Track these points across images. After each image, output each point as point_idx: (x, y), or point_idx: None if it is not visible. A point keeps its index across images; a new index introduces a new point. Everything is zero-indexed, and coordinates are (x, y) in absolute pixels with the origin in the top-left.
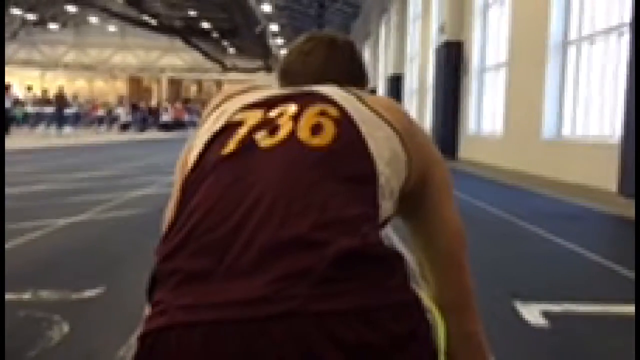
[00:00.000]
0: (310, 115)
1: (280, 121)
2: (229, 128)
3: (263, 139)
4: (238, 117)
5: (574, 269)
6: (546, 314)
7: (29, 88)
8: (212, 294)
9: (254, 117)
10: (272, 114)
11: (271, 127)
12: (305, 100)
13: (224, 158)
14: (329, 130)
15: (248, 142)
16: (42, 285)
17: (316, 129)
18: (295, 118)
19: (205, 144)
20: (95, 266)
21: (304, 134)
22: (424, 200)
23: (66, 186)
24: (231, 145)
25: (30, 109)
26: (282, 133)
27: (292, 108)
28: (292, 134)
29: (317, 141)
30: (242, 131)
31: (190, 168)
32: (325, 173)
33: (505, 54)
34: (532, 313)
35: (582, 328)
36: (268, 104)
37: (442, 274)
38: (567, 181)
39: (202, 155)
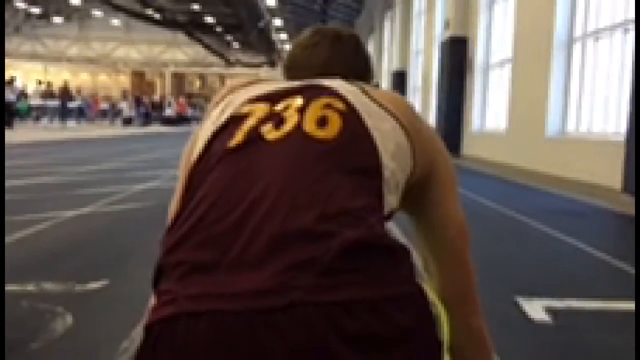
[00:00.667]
0: (316, 108)
1: (286, 114)
2: (235, 120)
3: (269, 132)
4: (244, 109)
5: (578, 266)
6: (549, 310)
7: (40, 82)
8: (219, 285)
9: (260, 110)
10: (278, 107)
11: (277, 120)
12: (310, 93)
13: (231, 150)
14: (335, 123)
15: (254, 135)
16: (46, 277)
17: (322, 122)
18: (301, 111)
19: (210, 136)
20: (100, 258)
21: (309, 126)
22: (428, 193)
23: (70, 179)
24: (237, 138)
25: (39, 101)
26: (288, 126)
27: (298, 101)
28: (298, 126)
29: (322, 134)
30: (249, 124)
31: (195, 160)
32: (330, 165)
33: (510, 51)
34: (535, 309)
35: (586, 324)
36: (274, 97)
37: (445, 268)
38: (572, 178)
39: (207, 147)
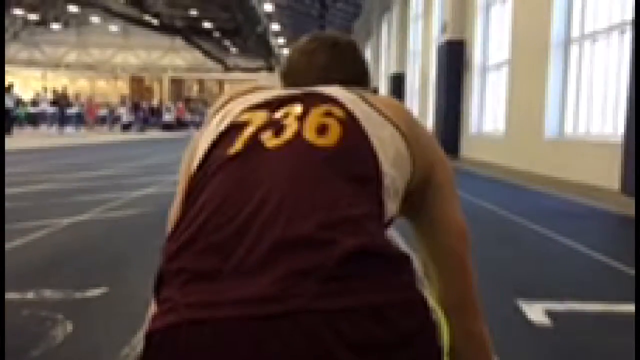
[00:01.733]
0: (315, 115)
1: (286, 122)
2: (235, 128)
3: (269, 140)
4: (243, 117)
5: (578, 268)
6: (550, 313)
7: (45, 89)
8: (220, 293)
9: (260, 117)
10: (278, 114)
11: (277, 127)
12: (310, 100)
13: (231, 158)
14: (335, 130)
15: (254, 143)
16: (45, 284)
17: (322, 130)
18: (301, 119)
19: (210, 144)
20: (99, 265)
21: (309, 134)
22: (427, 199)
23: (69, 186)
24: (237, 146)
25: (44, 107)
26: (288, 133)
27: (298, 109)
28: (298, 134)
29: (322, 141)
30: (248, 131)
31: (195, 167)
32: (331, 173)
33: (508, 53)
34: (536, 312)
35: (586, 327)
36: (273, 104)
37: (446, 273)
38: (570, 180)
39: (207, 155)
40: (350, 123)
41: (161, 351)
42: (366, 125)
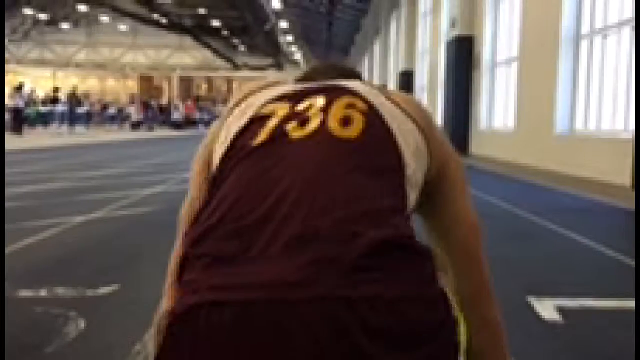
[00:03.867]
0: (338, 107)
1: (310, 113)
2: (258, 120)
3: (294, 130)
4: (266, 109)
5: (588, 264)
6: (561, 309)
7: (56, 89)
8: (242, 276)
9: (282, 109)
10: (301, 106)
11: (301, 118)
12: (332, 93)
13: (256, 148)
14: (358, 122)
15: (279, 133)
16: (58, 282)
17: (345, 121)
18: (325, 110)
19: (234, 135)
20: (110, 263)
21: (334, 125)
22: (440, 194)
23: (81, 184)
24: (262, 136)
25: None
26: (313, 125)
27: (320, 101)
28: (323, 125)
29: (347, 133)
30: (273, 122)
31: (220, 157)
32: (355, 164)
33: (517, 48)
34: (547, 308)
35: (597, 323)
36: (295, 97)
37: (460, 265)
38: (580, 176)
39: (232, 145)
40: (372, 115)
41: (182, 331)
42: (388, 118)
